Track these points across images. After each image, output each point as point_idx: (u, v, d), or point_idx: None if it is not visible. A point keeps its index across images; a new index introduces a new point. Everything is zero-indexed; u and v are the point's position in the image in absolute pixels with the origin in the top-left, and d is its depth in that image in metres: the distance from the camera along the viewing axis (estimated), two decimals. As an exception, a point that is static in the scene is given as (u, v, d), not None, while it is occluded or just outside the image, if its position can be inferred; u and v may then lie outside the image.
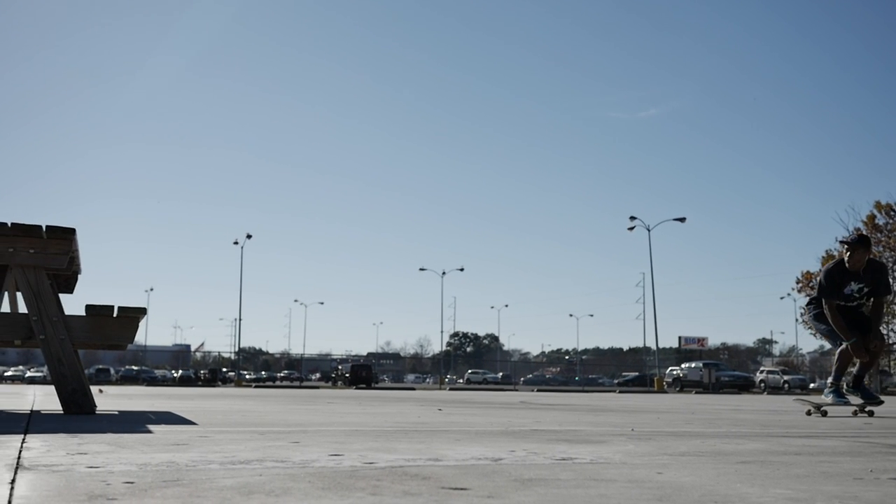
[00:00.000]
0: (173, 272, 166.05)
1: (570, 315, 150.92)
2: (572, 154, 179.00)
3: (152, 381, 51.63)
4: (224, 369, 66.39)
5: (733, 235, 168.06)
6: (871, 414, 7.44)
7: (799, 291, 48.63)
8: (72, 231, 5.30)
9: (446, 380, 70.72)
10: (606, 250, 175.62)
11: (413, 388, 40.99)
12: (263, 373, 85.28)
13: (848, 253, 7.63)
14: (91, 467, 2.33)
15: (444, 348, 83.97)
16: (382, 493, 1.98)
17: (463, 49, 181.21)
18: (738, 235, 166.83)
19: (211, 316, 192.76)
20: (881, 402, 7.65)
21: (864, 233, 8.54)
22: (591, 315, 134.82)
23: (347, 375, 52.70)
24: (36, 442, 3.12)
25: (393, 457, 2.80)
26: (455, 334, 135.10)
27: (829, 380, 7.89)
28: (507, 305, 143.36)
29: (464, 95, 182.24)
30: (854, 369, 7.94)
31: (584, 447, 3.39)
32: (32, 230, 5.20)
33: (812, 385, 54.06)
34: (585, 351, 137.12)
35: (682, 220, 53.75)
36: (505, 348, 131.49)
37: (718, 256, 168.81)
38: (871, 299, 7.77)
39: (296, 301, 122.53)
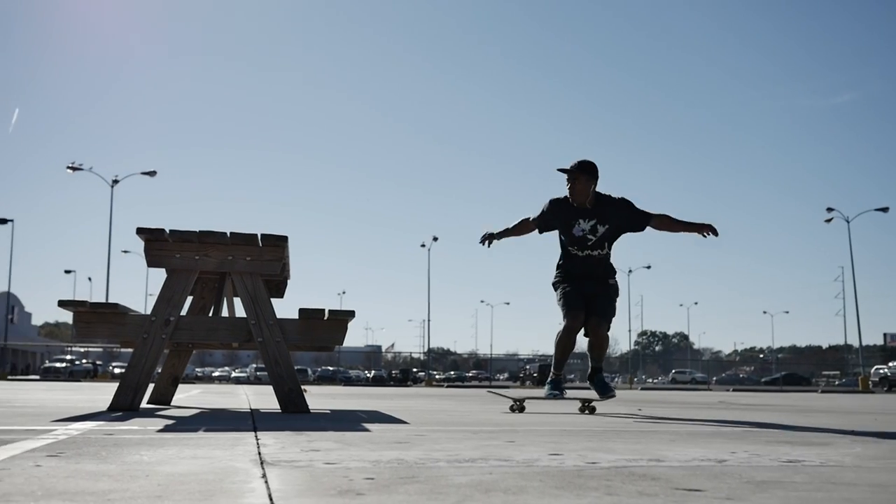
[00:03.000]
0: (364, 275, 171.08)
1: (764, 312, 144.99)
2: (762, 144, 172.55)
3: (348, 381, 53.38)
4: (414, 369, 67.83)
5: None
6: (592, 411, 6.41)
7: None
8: (284, 239, 5.56)
9: (635, 379, 69.54)
10: (801, 243, 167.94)
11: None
12: (452, 373, 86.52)
13: (569, 184, 6.27)
14: (328, 463, 2.45)
15: (632, 347, 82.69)
16: (617, 492, 1.98)
17: (640, 47, 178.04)
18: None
19: (400, 317, 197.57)
20: (613, 396, 6.63)
21: (593, 162, 6.26)
22: (787, 312, 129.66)
23: (535, 375, 52.74)
24: (268, 439, 3.30)
25: (613, 457, 2.79)
26: (643, 333, 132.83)
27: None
28: (696, 303, 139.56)
29: (649, 91, 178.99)
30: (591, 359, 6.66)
31: (807, 449, 3.27)
32: (249, 239, 5.49)
33: None
34: (781, 349, 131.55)
35: (885, 209, 50.73)
36: (695, 347, 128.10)
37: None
38: (608, 247, 6.40)
39: (482, 302, 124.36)
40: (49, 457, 2.52)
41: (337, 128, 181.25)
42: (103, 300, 6.52)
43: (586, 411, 6.38)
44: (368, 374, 62.29)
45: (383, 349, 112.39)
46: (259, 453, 2.71)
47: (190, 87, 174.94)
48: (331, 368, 63.06)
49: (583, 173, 6.19)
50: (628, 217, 6.32)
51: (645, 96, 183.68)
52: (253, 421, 4.59)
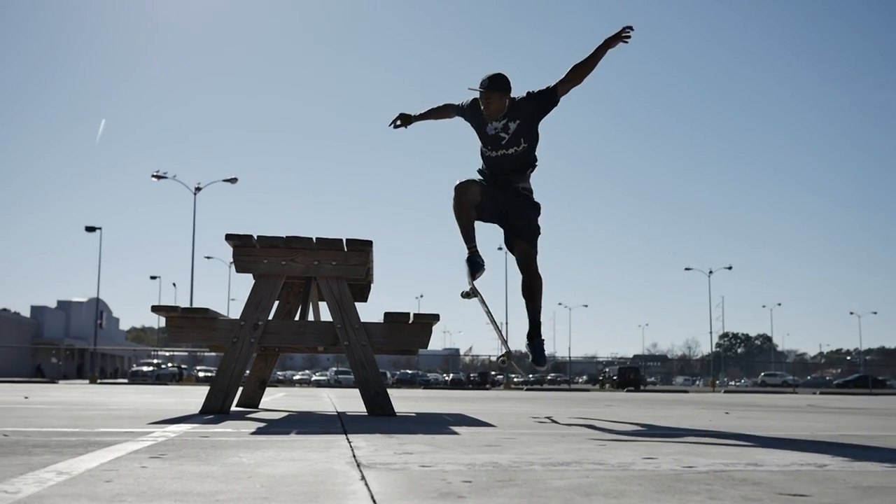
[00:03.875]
0: (442, 278, 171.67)
1: (851, 313, 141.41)
2: (841, 141, 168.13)
3: (426, 384, 53.62)
4: (492, 372, 67.76)
5: None
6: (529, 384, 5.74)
7: None
8: (369, 243, 5.62)
9: (717, 382, 68.35)
10: (889, 240, 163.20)
11: (685, 391, 40.01)
12: (531, 376, 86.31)
13: (483, 105, 5.82)
14: (423, 466, 2.46)
15: (714, 350, 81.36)
16: (720, 497, 1.95)
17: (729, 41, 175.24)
18: None
19: (478, 320, 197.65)
20: (543, 365, 6.14)
21: (504, 74, 5.76)
22: (875, 312, 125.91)
23: (615, 378, 52.32)
24: (360, 442, 3.33)
25: (709, 461, 2.75)
26: (724, 335, 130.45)
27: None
28: (779, 304, 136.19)
29: (730, 88, 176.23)
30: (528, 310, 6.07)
31: (910, 454, 3.18)
32: (335, 244, 5.56)
33: None
34: (869, 351, 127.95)
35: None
36: (779, 349, 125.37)
37: None
38: (525, 142, 5.87)
39: (559, 304, 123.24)
40: (152, 458, 2.59)
41: (413, 130, 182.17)
42: (187, 305, 6.67)
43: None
44: (447, 378, 62.46)
45: (461, 352, 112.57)
46: (354, 456, 2.74)
47: (268, 93, 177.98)
48: (409, 372, 63.42)
49: (496, 92, 5.76)
50: (536, 101, 5.87)
51: (728, 102, 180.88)
52: (342, 424, 4.64)
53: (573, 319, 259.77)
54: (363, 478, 2.18)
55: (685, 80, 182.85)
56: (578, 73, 5.74)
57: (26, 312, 75.99)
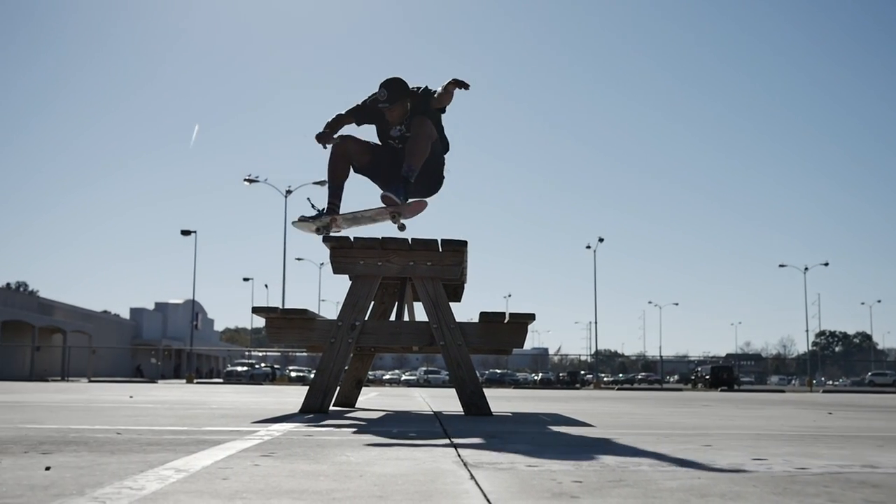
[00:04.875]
0: (530, 278, 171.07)
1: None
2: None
3: (516, 384, 53.52)
4: (582, 371, 67.30)
5: None
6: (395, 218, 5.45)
7: None
8: (464, 244, 5.63)
9: (814, 381, 66.59)
10: None
11: (781, 391, 39.07)
12: (620, 375, 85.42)
13: (387, 114, 5.74)
14: (530, 466, 2.46)
15: (810, 348, 79.10)
16: (841, 500, 1.90)
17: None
18: None
19: (566, 319, 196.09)
20: (395, 204, 5.50)
21: (399, 79, 5.66)
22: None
23: (707, 377, 51.38)
24: (462, 441, 3.34)
25: (822, 462, 2.69)
26: (821, 333, 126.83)
27: None
28: (879, 301, 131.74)
29: (828, 84, 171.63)
30: None
31: None
32: (430, 244, 5.59)
33: None
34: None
35: None
36: (879, 347, 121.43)
37: None
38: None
39: (650, 303, 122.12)
40: (263, 457, 2.64)
41: (503, 130, 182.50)
42: (279, 306, 6.78)
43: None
44: (536, 377, 62.27)
45: (550, 352, 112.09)
46: (459, 455, 2.76)
47: (355, 92, 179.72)
48: (498, 371, 63.37)
49: (395, 102, 5.67)
50: (423, 100, 5.76)
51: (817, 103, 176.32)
52: (440, 423, 4.67)
53: (663, 318, 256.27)
54: (473, 477, 2.19)
55: (783, 77, 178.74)
56: (444, 99, 5.67)
57: (126, 314, 78.44)
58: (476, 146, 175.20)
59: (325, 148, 5.91)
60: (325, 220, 5.75)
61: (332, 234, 5.78)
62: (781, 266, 73.28)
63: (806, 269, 71.07)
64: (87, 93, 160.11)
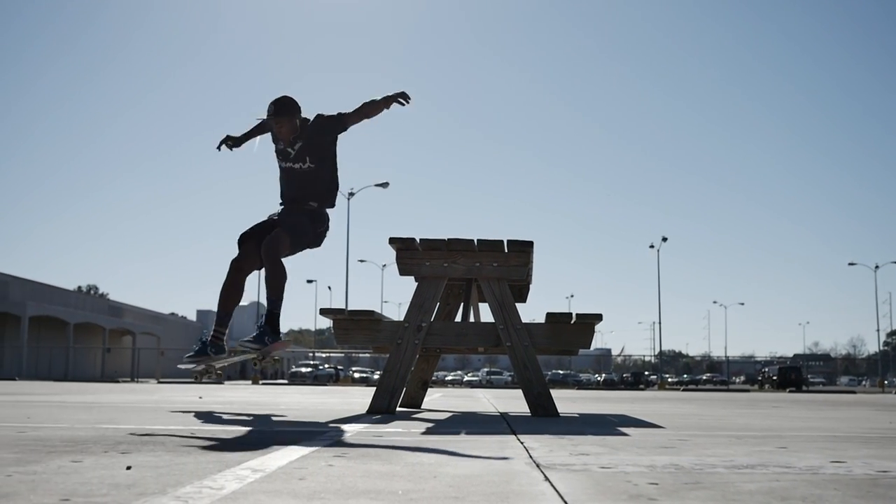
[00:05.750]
0: (592, 278, 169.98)
1: None
2: None
3: (579, 385, 53.20)
4: (646, 372, 66.66)
5: None
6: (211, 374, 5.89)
7: None
8: (530, 244, 5.62)
9: (885, 382, 65.03)
10: None
11: (852, 392, 38.25)
12: (685, 376, 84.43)
13: (275, 129, 5.93)
14: (604, 468, 2.44)
15: (881, 348, 77.37)
16: (928, 504, 1.85)
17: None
18: None
19: (629, 320, 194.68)
20: (257, 349, 5.67)
21: (288, 96, 5.88)
22: None
23: (775, 378, 50.56)
24: (532, 442, 3.33)
25: (904, 465, 2.62)
26: (893, 333, 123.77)
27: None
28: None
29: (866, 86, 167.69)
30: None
31: None
32: (496, 245, 5.59)
33: None
34: None
35: None
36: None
37: None
38: (311, 161, 5.90)
39: (714, 302, 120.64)
40: (336, 457, 2.66)
41: (565, 131, 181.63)
42: (342, 307, 6.83)
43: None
44: (598, 378, 61.81)
45: (613, 352, 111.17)
46: (530, 456, 2.75)
47: (415, 96, 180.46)
48: (561, 372, 63.11)
49: (283, 116, 5.86)
50: (321, 124, 5.97)
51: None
52: (508, 424, 4.66)
53: (729, 318, 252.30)
54: (547, 478, 2.18)
55: (851, 74, 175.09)
56: (369, 109, 5.95)
57: (192, 316, 79.80)
58: (538, 147, 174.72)
59: (230, 150, 6.36)
60: (201, 367, 5.96)
61: (207, 372, 6.08)
62: (851, 264, 71.69)
63: (876, 266, 69.42)
64: (166, 100, 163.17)
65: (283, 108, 5.86)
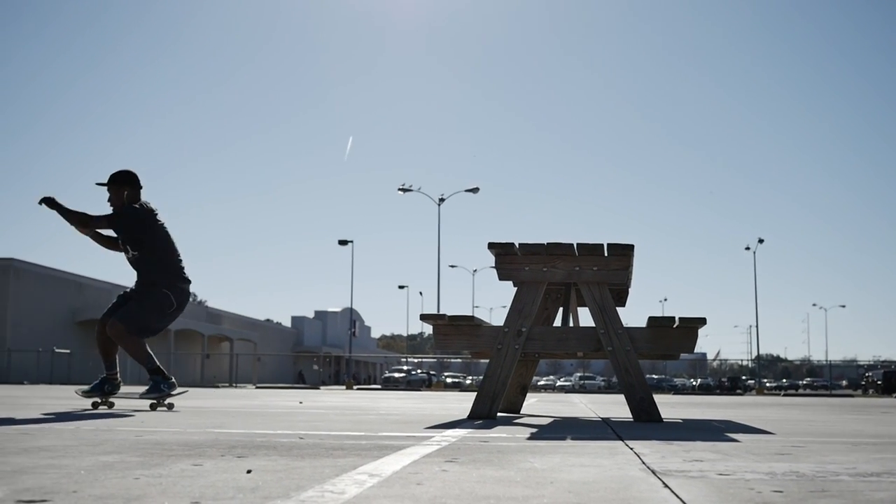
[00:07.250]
0: (686, 281, 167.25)
1: None
2: None
3: (674, 390, 52.38)
4: (743, 377, 65.26)
5: None
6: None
7: None
8: (630, 248, 5.56)
9: None
10: None
11: (961, 397, 36.79)
12: (784, 380, 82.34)
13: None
14: (721, 475, 2.40)
15: None
16: None
17: None
18: None
19: (726, 324, 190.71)
20: (154, 398, 6.59)
21: (127, 169, 6.76)
22: None
23: (879, 382, 48.87)
24: (642, 448, 3.29)
25: None
26: None
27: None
28: None
29: None
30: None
31: None
32: (595, 249, 5.54)
33: None
34: None
35: None
36: None
37: None
38: (132, 248, 6.63)
39: (814, 305, 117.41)
40: (448, 462, 2.67)
41: (656, 132, 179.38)
42: (434, 312, 6.80)
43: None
44: (694, 383, 60.74)
45: (709, 357, 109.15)
46: (643, 463, 2.71)
47: (503, 102, 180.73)
48: (655, 377, 62.24)
49: (111, 184, 6.63)
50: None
51: None
52: (612, 430, 4.61)
53: (830, 321, 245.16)
54: (666, 485, 2.15)
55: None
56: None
57: (287, 323, 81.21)
58: (623, 152, 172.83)
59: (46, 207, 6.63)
60: (96, 400, 6.76)
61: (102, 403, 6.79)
62: (959, 264, 68.72)
63: None
64: (244, 109, 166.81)
65: (114, 177, 6.66)
